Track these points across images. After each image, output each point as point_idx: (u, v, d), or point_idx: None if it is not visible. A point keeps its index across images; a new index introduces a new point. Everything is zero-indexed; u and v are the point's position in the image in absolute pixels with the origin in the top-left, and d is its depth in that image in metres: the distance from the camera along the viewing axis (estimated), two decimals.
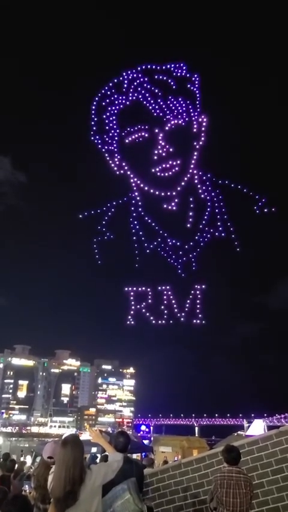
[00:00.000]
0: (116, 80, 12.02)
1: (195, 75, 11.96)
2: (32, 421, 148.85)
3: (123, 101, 11.78)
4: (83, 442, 3.42)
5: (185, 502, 5.84)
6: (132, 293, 11.41)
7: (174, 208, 11.42)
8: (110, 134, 11.82)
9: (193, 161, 11.68)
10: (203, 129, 11.73)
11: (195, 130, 11.71)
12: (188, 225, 11.52)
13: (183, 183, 11.50)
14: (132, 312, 11.29)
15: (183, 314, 11.15)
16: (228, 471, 4.73)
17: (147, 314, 11.31)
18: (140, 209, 11.75)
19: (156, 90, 11.62)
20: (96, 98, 11.95)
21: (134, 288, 11.47)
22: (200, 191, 11.69)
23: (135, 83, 11.75)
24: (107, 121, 11.85)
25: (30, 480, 8.67)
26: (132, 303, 11.33)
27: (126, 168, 11.82)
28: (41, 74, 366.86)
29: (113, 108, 11.81)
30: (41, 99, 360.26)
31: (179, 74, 11.93)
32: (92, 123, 11.96)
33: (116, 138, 11.79)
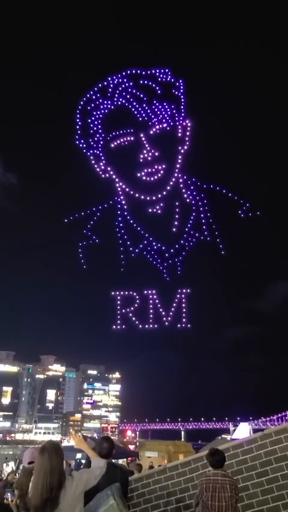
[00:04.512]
0: (101, 85, 12.04)
1: (180, 81, 12.06)
2: (16, 427, 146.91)
3: (109, 105, 11.80)
4: (68, 449, 3.38)
5: (170, 506, 5.81)
6: (118, 297, 11.37)
7: (159, 212, 11.46)
8: (95, 138, 11.82)
9: (178, 165, 11.75)
10: (187, 133, 11.82)
11: (180, 134, 11.80)
12: (174, 229, 11.55)
13: (168, 187, 11.55)
14: (119, 317, 11.25)
15: (168, 318, 11.15)
16: (213, 474, 4.73)
17: (134, 318, 11.28)
18: (125, 213, 11.76)
19: (142, 95, 11.66)
20: (81, 102, 11.96)
21: (121, 292, 11.44)
22: (185, 195, 11.76)
23: (120, 88, 11.78)
24: (92, 125, 11.86)
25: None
26: (118, 307, 11.29)
27: (111, 172, 11.82)
28: (30, 77, 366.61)
29: (98, 112, 11.82)
30: (31, 101, 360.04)
31: (164, 79, 12.01)
32: (77, 126, 11.97)
33: (101, 142, 11.80)
